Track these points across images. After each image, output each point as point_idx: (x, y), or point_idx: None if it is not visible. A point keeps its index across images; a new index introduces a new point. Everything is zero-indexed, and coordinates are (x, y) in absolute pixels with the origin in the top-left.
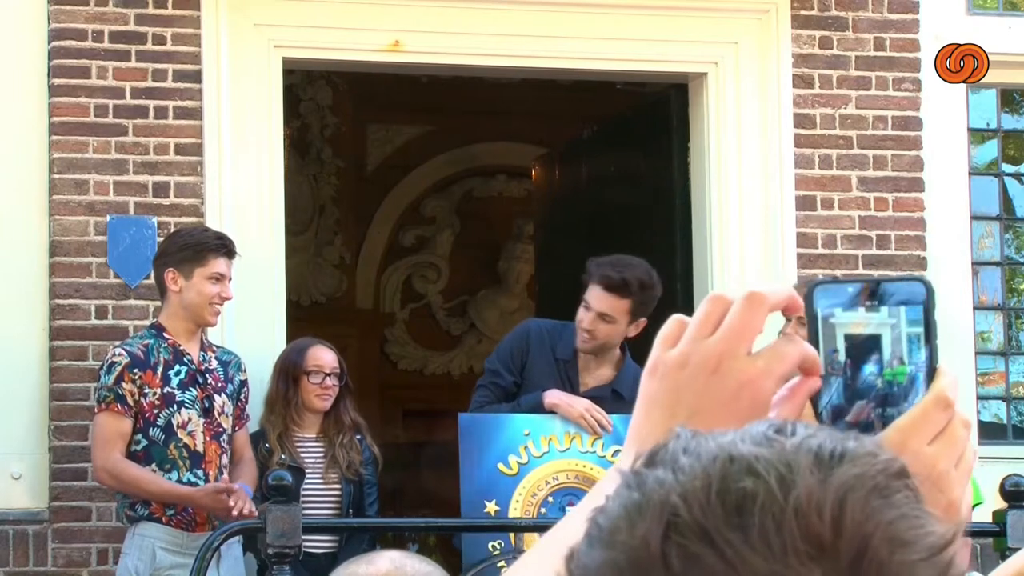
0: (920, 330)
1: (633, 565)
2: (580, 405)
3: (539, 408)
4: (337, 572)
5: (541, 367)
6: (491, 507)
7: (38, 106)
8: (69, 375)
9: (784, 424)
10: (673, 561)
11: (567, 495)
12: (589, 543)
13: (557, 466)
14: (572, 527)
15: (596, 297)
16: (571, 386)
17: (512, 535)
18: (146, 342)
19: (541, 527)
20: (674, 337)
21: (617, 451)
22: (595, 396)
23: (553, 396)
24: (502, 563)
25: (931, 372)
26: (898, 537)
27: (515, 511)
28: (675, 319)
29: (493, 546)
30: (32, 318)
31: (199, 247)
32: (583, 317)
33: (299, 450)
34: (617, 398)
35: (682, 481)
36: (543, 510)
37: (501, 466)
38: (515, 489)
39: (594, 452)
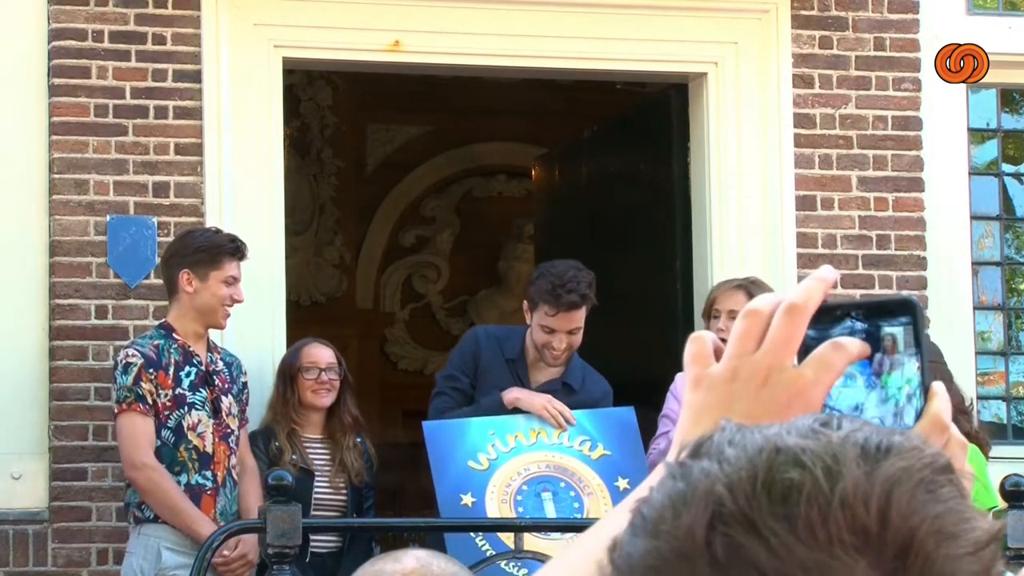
0: (911, 360)
1: (677, 554)
2: (540, 399)
3: (499, 408)
4: (363, 569)
5: (493, 367)
6: (467, 499)
7: (38, 106)
8: (69, 375)
9: (830, 418)
10: (718, 550)
11: (541, 483)
12: (633, 532)
13: (527, 459)
14: (614, 522)
15: (563, 319)
16: (522, 384)
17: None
18: (156, 342)
19: (542, 527)
20: (704, 354)
21: (584, 441)
22: (547, 390)
23: (512, 392)
24: (506, 562)
25: (925, 392)
26: (944, 530)
27: (491, 501)
28: (697, 337)
29: (475, 533)
30: (32, 318)
31: (215, 250)
32: (548, 340)
33: (307, 451)
34: (568, 390)
35: (728, 472)
36: (519, 497)
37: (471, 463)
38: (488, 482)
39: (560, 443)
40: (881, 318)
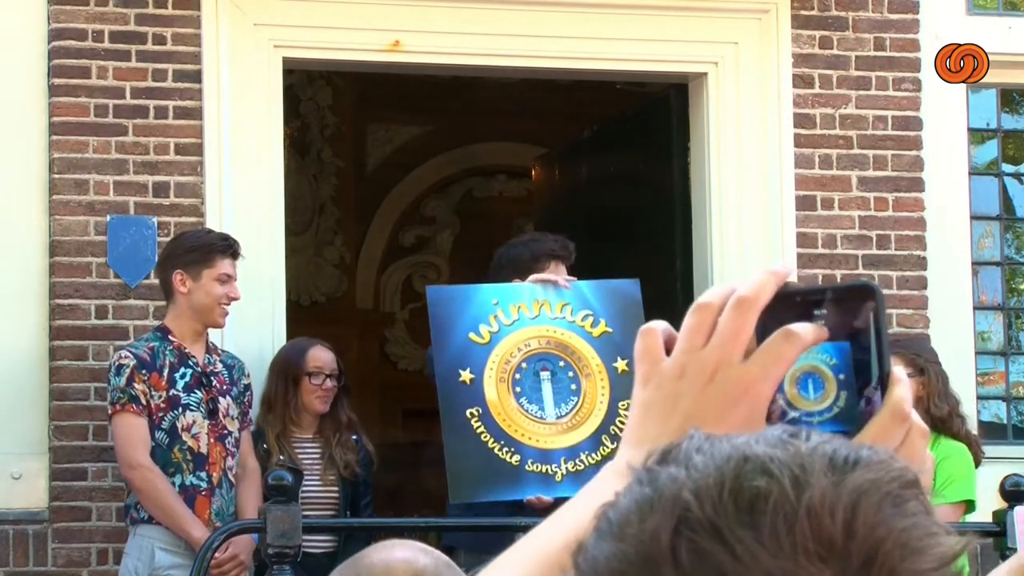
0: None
1: (642, 558)
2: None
3: None
4: (351, 561)
5: None
6: (465, 375)
7: (38, 106)
8: (69, 375)
9: (799, 430)
10: (682, 556)
11: (540, 360)
12: (598, 536)
13: (528, 333)
14: (574, 513)
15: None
16: None
17: (489, 402)
18: (151, 345)
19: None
20: (654, 349)
21: (587, 316)
22: None
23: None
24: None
25: (884, 380)
26: (910, 544)
27: (489, 379)
28: (646, 331)
29: (471, 413)
30: (32, 318)
31: (206, 249)
32: None
33: (296, 451)
34: None
35: (695, 478)
36: (517, 376)
37: (472, 335)
38: (488, 357)
39: (563, 318)
40: (842, 304)
